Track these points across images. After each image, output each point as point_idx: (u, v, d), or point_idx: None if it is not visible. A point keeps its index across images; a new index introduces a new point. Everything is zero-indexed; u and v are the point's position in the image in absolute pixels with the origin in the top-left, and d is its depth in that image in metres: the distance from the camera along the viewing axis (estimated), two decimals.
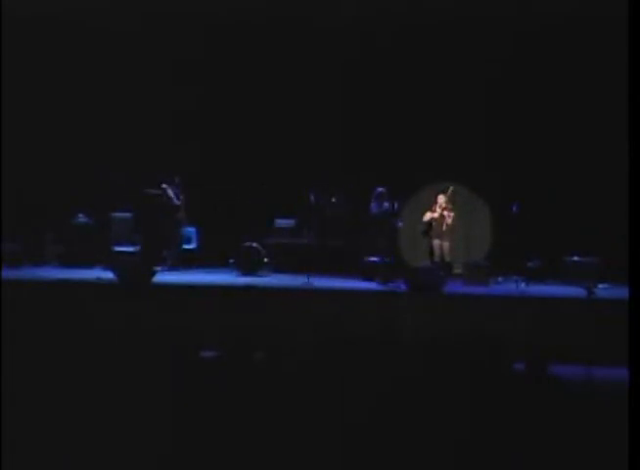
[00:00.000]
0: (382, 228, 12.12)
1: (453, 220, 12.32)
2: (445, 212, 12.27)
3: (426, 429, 4.72)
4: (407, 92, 13.63)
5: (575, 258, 12.40)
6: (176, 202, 12.76)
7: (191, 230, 13.38)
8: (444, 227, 12.30)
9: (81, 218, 13.30)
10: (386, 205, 12.10)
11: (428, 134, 13.56)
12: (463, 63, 13.46)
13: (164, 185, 12.73)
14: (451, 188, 12.37)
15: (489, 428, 4.74)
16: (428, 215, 12.36)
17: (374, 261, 12.14)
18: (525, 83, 13.47)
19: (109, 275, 10.88)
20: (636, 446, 4.60)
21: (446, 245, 12.34)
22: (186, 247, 13.28)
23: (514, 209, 11.82)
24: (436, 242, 12.37)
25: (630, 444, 4.62)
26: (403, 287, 10.86)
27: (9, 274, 10.80)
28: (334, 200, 13.41)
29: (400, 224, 12.34)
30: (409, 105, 13.63)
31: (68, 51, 13.61)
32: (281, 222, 13.56)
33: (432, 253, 12.45)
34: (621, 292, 9.66)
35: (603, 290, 11.09)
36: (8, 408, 4.70)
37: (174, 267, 12.54)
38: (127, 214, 13.44)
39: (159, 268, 11.39)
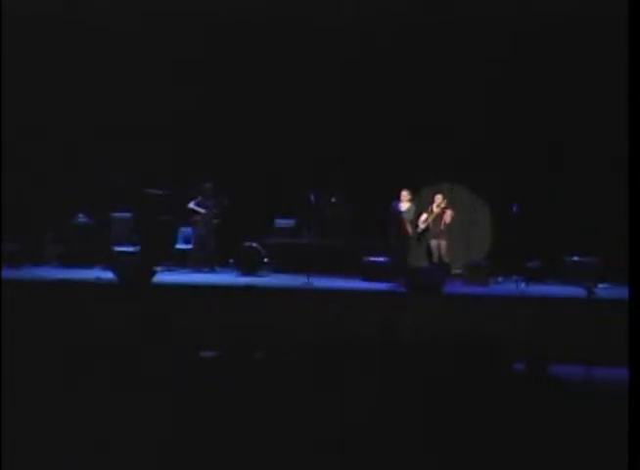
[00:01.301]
0: (391, 228, 12.18)
1: (452, 219, 12.32)
2: (443, 211, 12.28)
3: (426, 429, 4.72)
4: (407, 92, 13.64)
5: (575, 258, 12.41)
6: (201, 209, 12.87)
7: (189, 230, 13.37)
8: (442, 226, 12.31)
9: (81, 218, 13.29)
10: (411, 206, 12.17)
11: (428, 134, 13.56)
12: (463, 63, 13.46)
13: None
14: (448, 187, 12.41)
15: (489, 428, 4.74)
16: (423, 217, 12.37)
17: (380, 261, 12.15)
18: (525, 83, 13.47)
19: (109, 275, 10.88)
20: (636, 446, 4.60)
21: (444, 244, 12.34)
22: (186, 247, 13.30)
23: (514, 209, 11.83)
24: (434, 242, 12.38)
25: (630, 444, 4.62)
26: (403, 287, 10.86)
27: (9, 274, 10.80)
28: (334, 200, 13.43)
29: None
30: (409, 105, 13.64)
31: (68, 51, 13.61)
32: (281, 222, 13.56)
33: (430, 253, 12.47)
34: (621, 292, 9.65)
35: (603, 290, 11.09)
36: (8, 408, 4.70)
37: (197, 268, 12.63)
38: (127, 214, 13.44)
39: (159, 268, 11.40)
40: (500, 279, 12.37)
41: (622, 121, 8.01)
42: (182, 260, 13.01)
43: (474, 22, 13.26)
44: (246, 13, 13.44)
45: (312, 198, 12.08)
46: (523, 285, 11.52)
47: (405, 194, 12.22)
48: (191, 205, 12.87)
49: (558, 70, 13.33)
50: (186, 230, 13.33)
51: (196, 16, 13.45)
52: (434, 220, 12.32)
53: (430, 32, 13.43)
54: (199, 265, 12.72)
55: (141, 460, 4.45)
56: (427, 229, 12.37)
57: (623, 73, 7.52)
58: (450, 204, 12.34)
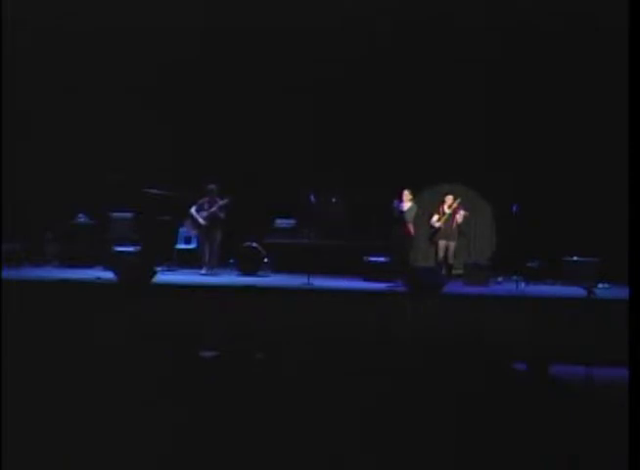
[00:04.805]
0: (392, 228, 12.21)
1: (465, 218, 12.34)
2: (455, 211, 12.29)
3: (426, 429, 4.72)
4: (408, 93, 13.64)
5: (575, 258, 12.41)
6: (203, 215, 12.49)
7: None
8: (453, 226, 12.33)
9: (81, 218, 13.31)
10: (413, 206, 12.19)
11: (429, 135, 13.57)
12: (464, 64, 13.45)
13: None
14: (460, 188, 12.50)
15: (489, 428, 4.74)
16: (435, 218, 12.40)
17: (380, 261, 12.15)
18: (526, 83, 13.47)
19: (109, 275, 10.88)
20: (636, 446, 4.60)
21: (452, 245, 12.38)
22: (186, 247, 13.30)
23: (514, 209, 11.84)
24: (443, 242, 12.40)
25: (630, 443, 4.62)
26: (404, 287, 10.86)
27: (9, 274, 10.80)
28: (334, 200, 13.43)
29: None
30: (410, 105, 13.64)
31: (69, 51, 13.61)
32: (281, 222, 13.56)
33: (436, 253, 12.52)
34: (621, 292, 9.67)
35: (603, 290, 11.11)
36: (8, 408, 4.70)
37: (211, 272, 12.30)
38: (127, 214, 13.44)
39: (159, 268, 11.39)
40: (500, 279, 12.38)
41: (623, 121, 8.02)
42: (182, 261, 13.00)
43: (474, 21, 13.26)
44: (246, 13, 13.43)
45: (312, 198, 12.08)
46: (523, 285, 11.53)
47: (407, 194, 12.24)
48: (192, 210, 12.50)
49: (558, 70, 13.33)
50: (186, 230, 13.30)
51: (197, 16, 13.44)
52: (446, 221, 12.33)
53: (430, 32, 13.42)
54: (208, 267, 12.45)
55: (141, 460, 4.45)
56: (438, 230, 12.41)
57: (624, 74, 7.53)
58: (462, 204, 12.37)
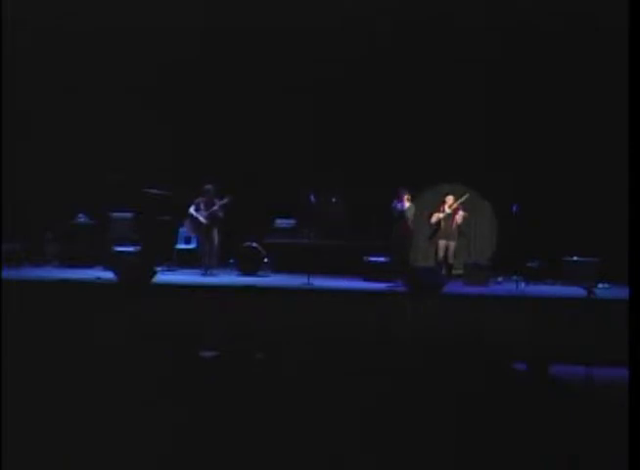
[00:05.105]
0: (392, 228, 12.22)
1: (464, 219, 12.35)
2: (455, 212, 12.30)
3: (426, 429, 4.72)
4: (408, 93, 13.63)
5: (575, 258, 12.41)
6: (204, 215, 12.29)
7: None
8: (453, 226, 12.33)
9: (81, 218, 13.31)
10: (412, 205, 12.20)
11: (428, 135, 13.56)
12: (464, 64, 13.45)
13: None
14: (460, 188, 12.51)
15: (489, 428, 4.74)
16: (435, 217, 12.41)
17: (380, 261, 12.15)
18: (526, 83, 13.47)
19: (109, 275, 10.89)
20: (636, 446, 4.60)
21: (452, 245, 12.38)
22: (186, 247, 13.31)
23: (514, 209, 11.83)
24: (443, 242, 12.40)
25: (630, 443, 4.62)
26: (404, 287, 10.86)
27: (9, 274, 10.80)
28: (334, 200, 13.44)
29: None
30: (410, 105, 13.63)
31: (70, 50, 13.60)
32: (281, 222, 13.57)
33: (436, 253, 12.53)
34: (621, 292, 9.68)
35: (603, 290, 11.11)
36: (8, 408, 4.70)
37: (210, 273, 12.15)
38: (127, 214, 13.45)
39: (159, 268, 11.39)
40: (500, 279, 12.38)
41: (623, 121, 8.02)
42: (182, 261, 13.00)
43: (474, 21, 13.25)
44: (246, 13, 13.43)
45: (312, 198, 12.06)
46: (523, 285, 11.53)
47: (406, 193, 12.25)
48: (191, 210, 12.36)
49: (558, 70, 13.33)
50: (186, 230, 13.28)
51: (197, 16, 13.44)
52: (446, 221, 12.34)
53: (430, 32, 13.42)
54: (208, 267, 12.30)
55: (141, 461, 4.45)
56: (438, 229, 12.42)
57: (624, 74, 7.53)
58: (462, 205, 12.38)
